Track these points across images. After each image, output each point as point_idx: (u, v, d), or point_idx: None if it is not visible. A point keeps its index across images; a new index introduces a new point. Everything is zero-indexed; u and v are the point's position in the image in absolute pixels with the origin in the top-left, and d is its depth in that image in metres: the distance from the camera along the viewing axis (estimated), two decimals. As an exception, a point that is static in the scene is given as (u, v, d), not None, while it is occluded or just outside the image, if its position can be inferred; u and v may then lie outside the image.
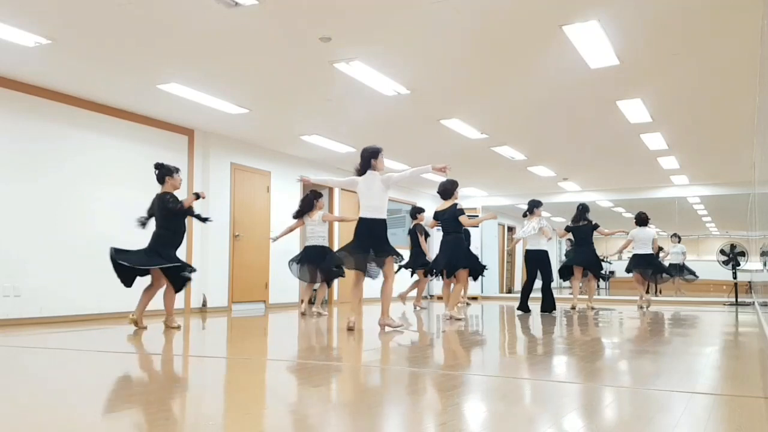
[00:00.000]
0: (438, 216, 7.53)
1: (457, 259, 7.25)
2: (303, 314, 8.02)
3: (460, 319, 7.27)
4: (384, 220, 5.96)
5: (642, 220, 9.76)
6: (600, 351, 4.84)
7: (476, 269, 7.53)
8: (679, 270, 13.59)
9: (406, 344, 5.28)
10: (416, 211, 9.72)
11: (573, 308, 9.17)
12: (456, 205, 7.35)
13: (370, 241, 5.85)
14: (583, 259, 9.32)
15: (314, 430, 2.34)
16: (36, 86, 6.96)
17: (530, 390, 3.19)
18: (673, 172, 12.07)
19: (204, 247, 9.05)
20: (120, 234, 7.99)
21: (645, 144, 9.60)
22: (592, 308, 9.33)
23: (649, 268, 9.77)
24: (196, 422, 2.52)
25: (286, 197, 10.63)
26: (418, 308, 9.63)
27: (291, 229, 8.52)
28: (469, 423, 2.46)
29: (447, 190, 7.45)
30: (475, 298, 13.78)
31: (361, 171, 5.99)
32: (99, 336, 5.92)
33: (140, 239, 7.84)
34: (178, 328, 6.08)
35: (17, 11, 5.08)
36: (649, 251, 9.72)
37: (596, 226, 9.34)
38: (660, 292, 14.12)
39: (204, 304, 8.99)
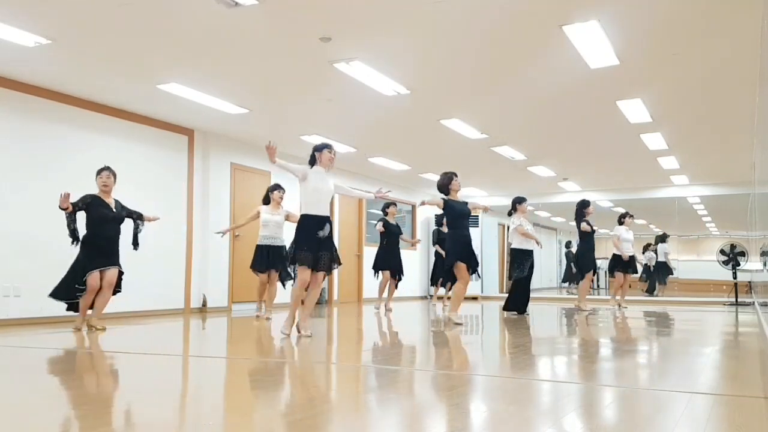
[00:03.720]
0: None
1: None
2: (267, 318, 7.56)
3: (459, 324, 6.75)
4: None
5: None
6: (600, 351, 4.84)
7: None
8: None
9: (405, 344, 5.28)
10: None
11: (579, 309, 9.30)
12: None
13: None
14: (575, 259, 9.59)
15: (314, 431, 2.34)
16: (36, 86, 6.96)
17: (530, 390, 3.19)
18: (673, 172, 12.07)
19: (204, 247, 9.05)
20: (121, 234, 7.98)
21: (645, 144, 9.60)
22: (580, 308, 9.34)
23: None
24: (196, 422, 2.51)
25: (285, 197, 10.62)
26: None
27: (238, 226, 8.03)
28: (469, 423, 2.46)
29: (441, 185, 7.01)
30: (475, 298, 13.79)
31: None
32: (99, 336, 5.91)
33: (141, 239, 7.84)
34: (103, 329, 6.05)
35: (17, 11, 5.08)
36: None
37: (579, 226, 9.35)
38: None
39: (204, 304, 8.99)
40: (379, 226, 9.11)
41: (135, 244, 6.35)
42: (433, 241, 10.54)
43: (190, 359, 4.63)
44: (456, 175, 6.98)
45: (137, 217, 6.36)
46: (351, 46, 5.79)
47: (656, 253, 14.19)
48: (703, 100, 7.54)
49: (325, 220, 5.35)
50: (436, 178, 13.55)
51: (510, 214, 8.53)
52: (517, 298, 8.35)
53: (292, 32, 5.48)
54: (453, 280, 7.24)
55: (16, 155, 6.81)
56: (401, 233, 9.36)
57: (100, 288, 5.95)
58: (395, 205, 9.34)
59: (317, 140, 9.55)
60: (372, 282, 12.72)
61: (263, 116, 8.33)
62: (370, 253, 10.22)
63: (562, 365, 4.09)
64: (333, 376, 3.71)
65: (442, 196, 6.94)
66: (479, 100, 7.65)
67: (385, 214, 9.21)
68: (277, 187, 7.61)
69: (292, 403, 2.92)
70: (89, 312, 6.03)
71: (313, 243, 5.23)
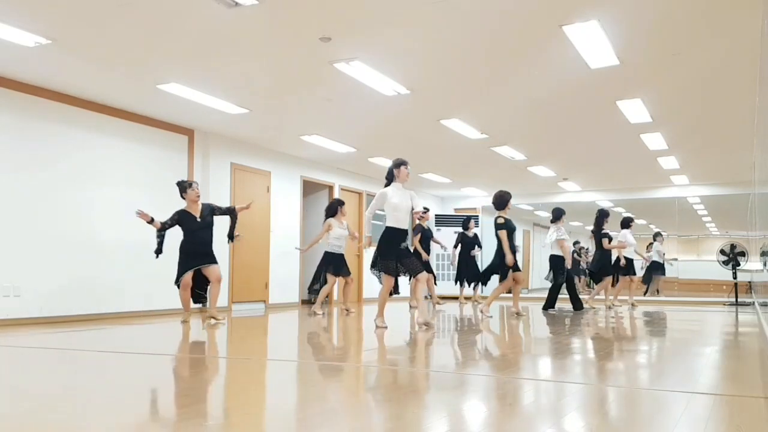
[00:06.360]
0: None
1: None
2: (320, 314, 8.26)
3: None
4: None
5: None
6: (600, 351, 4.84)
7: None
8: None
9: (407, 344, 5.28)
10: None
11: (609, 308, 9.90)
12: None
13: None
14: (593, 265, 10.08)
15: (314, 431, 2.34)
16: (36, 86, 6.96)
17: (530, 390, 3.19)
18: (673, 172, 12.07)
19: (204, 247, 9.04)
20: (121, 234, 7.99)
21: (645, 144, 9.60)
22: (592, 307, 9.85)
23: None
24: (196, 422, 2.51)
25: (286, 197, 10.64)
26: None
27: (316, 241, 8.69)
28: (469, 423, 2.46)
29: (501, 201, 7.86)
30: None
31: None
32: (99, 336, 5.92)
33: (139, 238, 7.87)
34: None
35: (17, 11, 5.08)
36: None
37: (604, 236, 9.80)
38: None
39: (204, 304, 8.97)
40: (416, 241, 9.74)
41: (230, 237, 7.13)
42: (455, 244, 11.09)
43: (189, 359, 4.63)
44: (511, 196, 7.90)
45: (231, 213, 7.07)
46: (351, 46, 5.79)
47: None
48: (703, 100, 7.54)
49: (405, 233, 6.12)
50: (436, 178, 13.58)
51: (553, 222, 9.23)
52: (553, 298, 9.23)
53: (292, 32, 5.48)
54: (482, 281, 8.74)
55: (16, 155, 6.80)
56: (432, 236, 10.36)
57: (201, 284, 7.01)
58: (426, 210, 10.04)
59: (317, 140, 9.60)
60: (372, 283, 12.74)
61: (263, 116, 8.33)
62: (369, 253, 10.21)
63: (562, 365, 4.09)
64: (334, 375, 3.71)
65: (500, 214, 7.85)
66: (479, 100, 7.65)
67: (420, 219, 9.74)
68: (342, 202, 8.48)
69: (294, 402, 2.92)
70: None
71: (394, 253, 5.97)
